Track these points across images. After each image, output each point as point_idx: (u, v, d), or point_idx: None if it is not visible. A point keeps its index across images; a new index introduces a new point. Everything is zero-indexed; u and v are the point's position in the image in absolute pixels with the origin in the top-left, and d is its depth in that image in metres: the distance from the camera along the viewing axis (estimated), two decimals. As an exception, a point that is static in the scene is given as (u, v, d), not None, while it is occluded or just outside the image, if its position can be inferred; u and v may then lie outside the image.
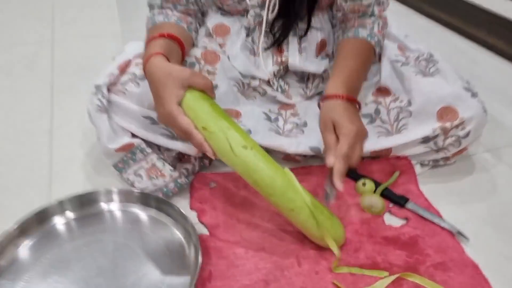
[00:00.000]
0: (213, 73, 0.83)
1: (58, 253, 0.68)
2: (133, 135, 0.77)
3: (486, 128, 0.80)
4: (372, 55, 0.83)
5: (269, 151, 0.74)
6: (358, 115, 0.73)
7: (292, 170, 0.67)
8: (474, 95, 0.78)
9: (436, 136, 0.79)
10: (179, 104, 0.66)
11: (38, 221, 0.71)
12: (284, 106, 0.88)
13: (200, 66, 0.82)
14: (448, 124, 0.76)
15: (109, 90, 0.75)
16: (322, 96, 0.75)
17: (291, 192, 0.65)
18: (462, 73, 0.83)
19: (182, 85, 0.66)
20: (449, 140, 0.79)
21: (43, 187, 0.82)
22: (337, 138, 0.68)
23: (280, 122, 0.85)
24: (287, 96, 0.88)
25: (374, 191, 0.79)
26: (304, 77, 0.89)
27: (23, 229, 0.69)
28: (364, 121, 0.83)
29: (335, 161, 0.66)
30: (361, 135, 0.69)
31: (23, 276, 0.64)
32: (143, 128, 0.77)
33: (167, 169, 0.76)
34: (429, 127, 0.78)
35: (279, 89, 0.87)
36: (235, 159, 0.65)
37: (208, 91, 0.68)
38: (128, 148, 0.75)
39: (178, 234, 0.71)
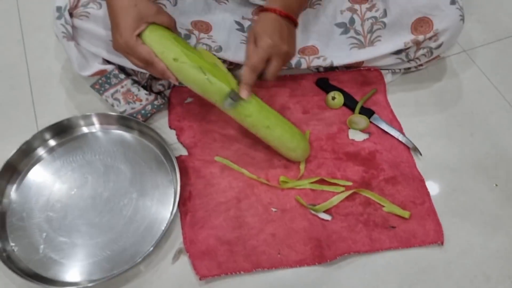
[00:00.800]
0: None
1: (54, 178, 0.76)
2: (105, 59, 0.77)
3: (466, 25, 0.79)
4: None
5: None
6: (289, 33, 0.68)
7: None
8: (453, 1, 0.75)
9: (408, 48, 0.79)
10: (138, 36, 0.65)
11: (24, 155, 0.77)
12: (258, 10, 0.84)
13: None
14: (421, 37, 0.76)
15: (72, 14, 0.72)
16: (258, 8, 0.72)
17: (264, 111, 0.70)
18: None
19: (145, 20, 0.65)
20: (420, 52, 0.79)
21: (28, 105, 0.86)
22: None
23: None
24: None
25: (344, 104, 0.83)
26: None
27: (8, 168, 0.74)
28: (338, 31, 0.82)
29: (244, 70, 0.68)
30: (279, 51, 0.66)
31: (25, 206, 0.73)
32: (113, 52, 0.76)
33: (142, 93, 0.78)
34: (402, 40, 0.78)
35: None
36: (211, 87, 0.68)
37: (172, 29, 0.66)
38: (101, 74, 0.77)
39: (160, 157, 0.78)
